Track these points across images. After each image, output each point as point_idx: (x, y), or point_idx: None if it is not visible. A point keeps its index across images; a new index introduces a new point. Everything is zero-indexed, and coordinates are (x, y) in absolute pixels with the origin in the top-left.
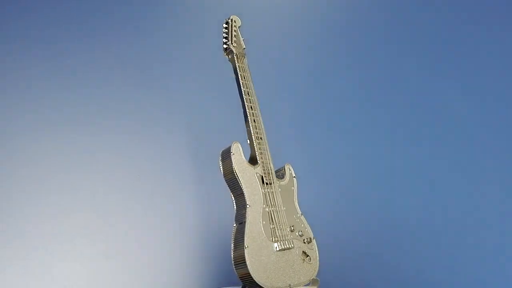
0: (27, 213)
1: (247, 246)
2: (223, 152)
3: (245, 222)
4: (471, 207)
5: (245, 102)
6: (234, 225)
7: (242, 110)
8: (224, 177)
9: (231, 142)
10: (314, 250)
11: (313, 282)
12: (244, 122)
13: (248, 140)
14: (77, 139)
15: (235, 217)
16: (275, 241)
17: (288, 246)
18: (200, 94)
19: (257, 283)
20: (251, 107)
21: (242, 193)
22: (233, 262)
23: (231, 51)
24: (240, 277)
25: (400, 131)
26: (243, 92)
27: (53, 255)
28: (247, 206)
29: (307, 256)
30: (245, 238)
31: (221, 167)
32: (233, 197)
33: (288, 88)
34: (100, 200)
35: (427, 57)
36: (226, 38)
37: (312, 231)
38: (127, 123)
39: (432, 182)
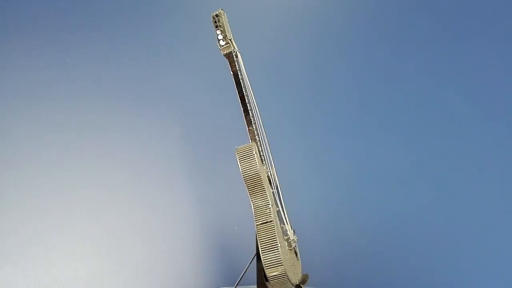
0: (27, 212)
1: (280, 245)
2: (241, 150)
3: (271, 221)
4: (471, 207)
5: (246, 102)
6: (257, 224)
7: (240, 109)
8: (243, 175)
9: (248, 141)
10: (296, 247)
11: (304, 277)
12: (243, 122)
13: (251, 141)
14: (78, 139)
15: (256, 216)
16: (286, 240)
17: (293, 245)
18: (200, 94)
19: (289, 282)
20: (252, 107)
21: (264, 193)
22: (265, 262)
23: (230, 46)
24: (272, 278)
25: (399, 131)
26: (243, 91)
27: (53, 255)
28: (270, 205)
29: (296, 253)
30: (278, 237)
31: (240, 166)
32: (251, 197)
33: (284, 88)
34: (99, 200)
35: (427, 57)
36: (222, 32)
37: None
38: (127, 123)
39: (433, 182)
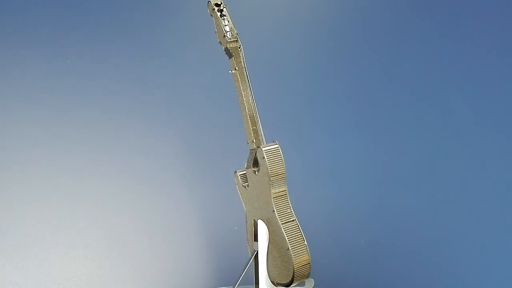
0: (27, 213)
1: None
2: (268, 151)
3: (294, 220)
4: (471, 207)
5: (250, 101)
6: (282, 223)
7: (244, 109)
8: (270, 176)
9: (272, 141)
10: None
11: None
12: (244, 122)
13: (254, 141)
14: (78, 139)
15: (279, 216)
16: None
17: None
18: (200, 94)
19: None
20: (255, 107)
21: (285, 194)
22: (295, 260)
23: (237, 40)
24: (298, 268)
25: (399, 130)
26: (248, 89)
27: (53, 255)
28: (290, 205)
29: None
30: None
31: (268, 166)
32: (273, 197)
33: (283, 87)
34: (99, 200)
35: (426, 57)
36: (228, 26)
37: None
38: (127, 124)
39: (433, 182)
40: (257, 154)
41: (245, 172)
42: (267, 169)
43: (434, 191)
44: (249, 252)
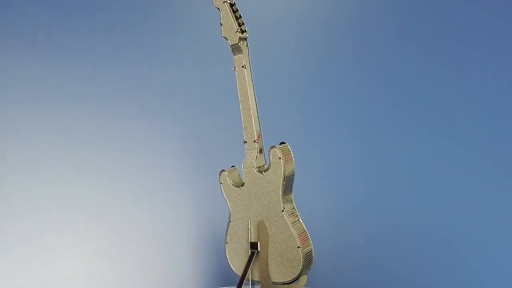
0: (27, 212)
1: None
2: (283, 151)
3: (299, 219)
4: (471, 207)
5: (255, 99)
6: (292, 222)
7: (241, 107)
8: (285, 176)
9: (281, 142)
10: None
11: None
12: (247, 120)
13: (256, 140)
14: (78, 138)
15: (289, 216)
16: None
17: None
18: (200, 91)
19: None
20: (257, 107)
21: (291, 194)
22: (305, 258)
23: (246, 38)
24: (307, 257)
25: (399, 131)
26: (253, 89)
27: (53, 254)
28: (294, 205)
29: None
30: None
31: (284, 166)
32: (283, 197)
33: (285, 87)
34: (99, 199)
35: (428, 58)
36: (239, 23)
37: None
38: (126, 123)
39: (432, 182)
40: (271, 154)
41: (235, 172)
42: (284, 168)
43: (434, 191)
44: (226, 254)
